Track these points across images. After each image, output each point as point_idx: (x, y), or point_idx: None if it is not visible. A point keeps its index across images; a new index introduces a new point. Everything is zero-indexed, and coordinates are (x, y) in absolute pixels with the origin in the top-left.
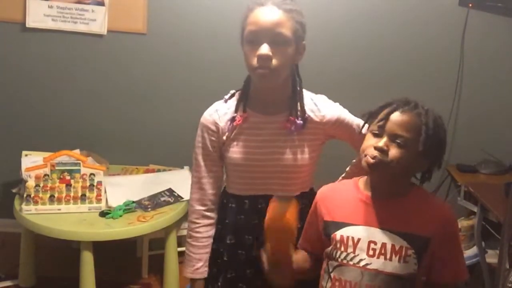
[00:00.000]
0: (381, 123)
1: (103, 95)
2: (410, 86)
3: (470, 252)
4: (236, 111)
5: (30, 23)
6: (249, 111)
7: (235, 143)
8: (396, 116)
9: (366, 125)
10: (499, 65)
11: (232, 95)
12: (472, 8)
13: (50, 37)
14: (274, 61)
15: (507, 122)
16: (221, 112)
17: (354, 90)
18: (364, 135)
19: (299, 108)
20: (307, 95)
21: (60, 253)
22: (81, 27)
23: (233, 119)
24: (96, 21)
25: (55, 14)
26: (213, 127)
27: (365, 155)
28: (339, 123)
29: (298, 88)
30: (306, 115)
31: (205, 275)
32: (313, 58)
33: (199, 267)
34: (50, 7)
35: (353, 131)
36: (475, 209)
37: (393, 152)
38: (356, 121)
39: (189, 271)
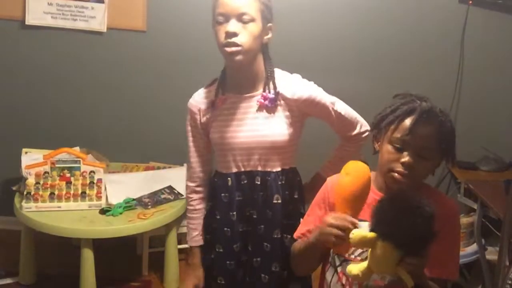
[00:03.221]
0: (406, 137)
1: (103, 93)
2: (410, 83)
3: (470, 249)
4: (216, 95)
5: (30, 20)
6: (227, 93)
7: (215, 124)
8: (422, 129)
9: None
10: (499, 62)
11: (213, 82)
12: (472, 5)
13: (50, 34)
14: (240, 37)
15: (507, 119)
16: (201, 96)
17: (353, 88)
18: (343, 117)
19: (271, 85)
20: (282, 73)
21: (60, 251)
22: (80, 25)
23: (212, 103)
24: (96, 18)
25: (55, 11)
26: (195, 110)
27: (391, 171)
28: (310, 101)
29: (269, 67)
30: (277, 89)
31: (200, 243)
32: (315, 56)
33: (195, 236)
34: (50, 4)
35: (328, 111)
36: (475, 206)
37: (421, 166)
38: (331, 100)
39: (188, 239)
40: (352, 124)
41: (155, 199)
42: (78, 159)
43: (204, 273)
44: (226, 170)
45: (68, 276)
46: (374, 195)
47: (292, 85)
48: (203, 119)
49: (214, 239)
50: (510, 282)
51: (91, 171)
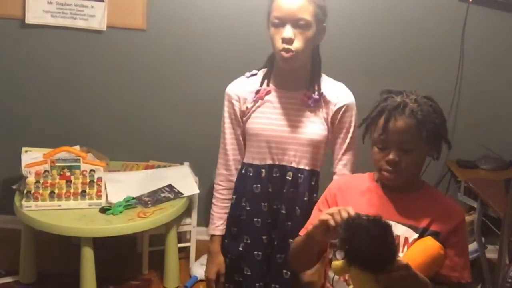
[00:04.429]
0: (382, 137)
1: (102, 91)
2: (410, 82)
3: (470, 248)
4: (261, 85)
5: (30, 19)
6: (272, 86)
7: (256, 114)
8: (393, 126)
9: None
10: (499, 60)
11: (253, 74)
12: (472, 4)
13: (50, 33)
14: (296, 43)
15: (508, 118)
16: (242, 85)
17: (350, 86)
18: (350, 141)
19: (316, 86)
20: (328, 79)
21: (60, 249)
22: (80, 23)
23: (257, 92)
24: (96, 17)
25: (55, 10)
26: (235, 97)
27: (380, 170)
28: (347, 109)
29: (317, 67)
30: (322, 91)
31: (223, 232)
32: None
33: (219, 225)
34: (50, 3)
35: (349, 128)
36: (475, 204)
37: (405, 159)
38: (355, 121)
39: (210, 228)
40: (341, 162)
41: (155, 197)
42: (78, 157)
43: (229, 264)
44: (260, 162)
45: (68, 274)
46: (374, 188)
47: (338, 90)
48: (243, 107)
49: (242, 231)
50: (510, 280)
51: (91, 170)
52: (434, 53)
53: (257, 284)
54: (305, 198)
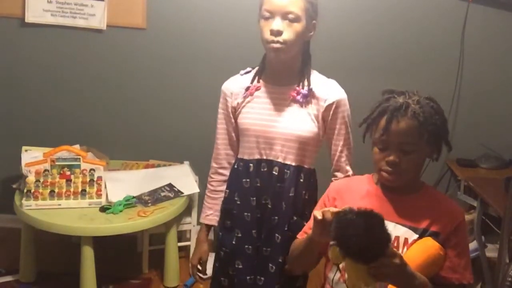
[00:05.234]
0: (383, 137)
1: (102, 90)
2: (410, 80)
3: (470, 247)
4: (252, 82)
5: (29, 18)
6: (262, 82)
7: (246, 109)
8: (395, 127)
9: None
10: (499, 59)
11: (248, 72)
12: (472, 2)
13: (49, 32)
14: (285, 34)
15: (507, 117)
16: (236, 81)
17: (349, 85)
18: (346, 141)
19: (306, 82)
20: (319, 76)
21: (60, 248)
22: (80, 22)
23: (247, 88)
24: (96, 16)
25: (54, 9)
26: (228, 93)
27: (380, 170)
28: (338, 105)
29: (307, 64)
30: (311, 86)
31: (213, 222)
32: (315, 55)
33: (209, 214)
34: (49, 2)
35: (342, 124)
36: (475, 203)
37: (405, 160)
38: (349, 119)
39: (202, 216)
40: (341, 159)
41: (155, 196)
42: (78, 157)
43: (223, 258)
44: (248, 156)
45: (68, 273)
46: (373, 189)
47: (328, 86)
48: (234, 103)
49: (234, 225)
50: (510, 279)
51: (91, 169)
52: (434, 53)
53: (248, 278)
54: (291, 194)
